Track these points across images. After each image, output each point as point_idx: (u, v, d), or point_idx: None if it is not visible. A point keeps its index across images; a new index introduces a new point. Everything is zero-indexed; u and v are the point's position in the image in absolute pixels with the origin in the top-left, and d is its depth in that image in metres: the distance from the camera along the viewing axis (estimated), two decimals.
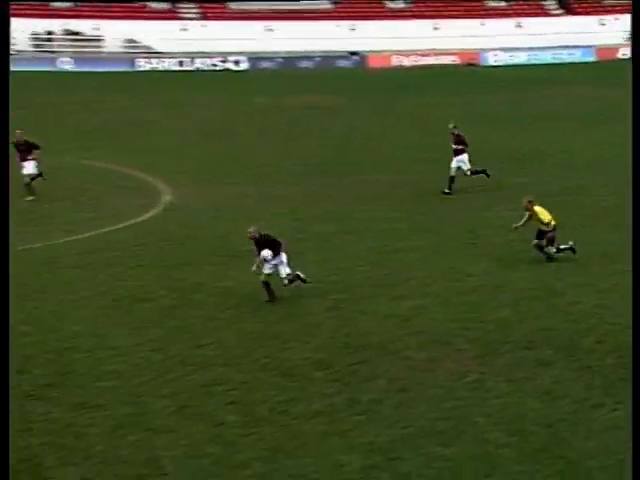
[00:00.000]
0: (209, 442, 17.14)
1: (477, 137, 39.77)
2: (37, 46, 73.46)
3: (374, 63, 78.32)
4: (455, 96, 64.18)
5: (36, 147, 34.67)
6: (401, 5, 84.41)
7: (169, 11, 78.31)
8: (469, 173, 34.92)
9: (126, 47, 74.38)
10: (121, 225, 31.18)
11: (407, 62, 79.91)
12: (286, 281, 23.52)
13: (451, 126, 35.52)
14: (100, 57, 73.19)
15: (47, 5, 75.47)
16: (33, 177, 34.47)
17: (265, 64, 74.95)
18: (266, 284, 23.47)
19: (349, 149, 43.96)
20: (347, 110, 56.21)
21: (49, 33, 74.08)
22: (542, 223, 25.91)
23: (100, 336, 21.88)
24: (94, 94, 61.38)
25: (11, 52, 71.47)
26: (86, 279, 25.82)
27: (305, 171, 39.75)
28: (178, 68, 73.19)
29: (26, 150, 34.24)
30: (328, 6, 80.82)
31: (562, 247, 26.17)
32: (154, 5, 77.77)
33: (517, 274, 25.54)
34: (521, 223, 26.43)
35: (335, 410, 18.26)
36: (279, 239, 23.47)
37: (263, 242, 23.27)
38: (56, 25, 74.18)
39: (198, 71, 73.32)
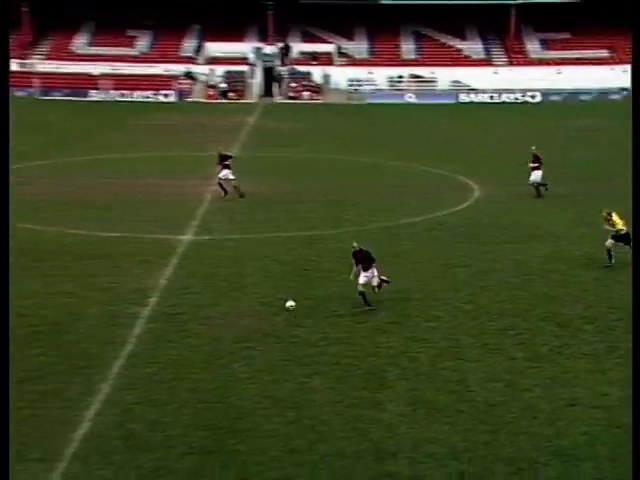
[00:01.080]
0: (503, 371, 16.90)
1: None
2: (391, 85, 74.44)
3: None
4: None
5: (229, 157, 33.10)
6: None
7: (485, 60, 77.40)
8: (536, 185, 33.14)
9: (452, 86, 74.01)
10: (445, 212, 31.15)
11: None
12: (376, 290, 20.50)
13: (533, 148, 34.07)
14: (434, 93, 73.24)
15: (397, 57, 76.47)
16: (228, 179, 32.43)
17: (554, 98, 72.50)
18: (362, 294, 20.33)
19: (612, 159, 41.86)
20: (614, 130, 53.53)
21: (400, 77, 74.92)
22: (619, 228, 23.31)
23: (427, 290, 21.99)
24: (430, 119, 61.67)
25: (373, 90, 73.05)
26: (419, 249, 25.98)
27: (580, 175, 38.28)
28: (489, 101, 72.11)
29: (223, 160, 32.74)
30: (605, 54, 77.19)
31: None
32: (474, 56, 77.08)
33: None
34: (610, 229, 23.69)
35: (599, 354, 17.58)
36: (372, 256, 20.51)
37: (361, 256, 20.38)
38: (404, 71, 75.04)
39: (504, 103, 72.02)
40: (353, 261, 20.60)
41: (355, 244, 20.70)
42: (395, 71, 75.46)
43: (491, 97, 73.13)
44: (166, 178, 37.40)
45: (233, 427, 14.53)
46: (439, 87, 74.48)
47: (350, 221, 29.70)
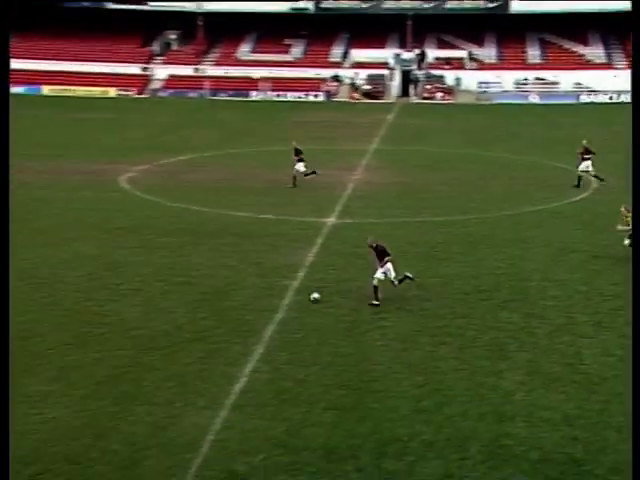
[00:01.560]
0: (616, 347, 16.29)
1: None
2: (517, 87, 72.56)
3: None
4: None
5: (301, 152, 32.45)
6: None
7: (605, 64, 74.33)
8: (592, 174, 32.64)
9: (574, 87, 71.40)
10: (564, 202, 30.17)
11: None
12: (396, 282, 18.75)
13: (584, 142, 32.87)
14: (556, 94, 70.88)
15: (524, 62, 74.49)
16: (306, 174, 32.27)
17: None
18: (375, 288, 18.58)
19: None
20: None
21: (525, 79, 72.94)
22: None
23: (546, 272, 21.38)
24: (552, 117, 59.79)
25: (500, 92, 71.19)
26: (540, 235, 25.29)
27: None
28: (608, 101, 69.31)
29: (297, 154, 32.37)
30: None
31: None
32: (597, 61, 74.12)
33: None
34: (626, 227, 21.41)
35: None
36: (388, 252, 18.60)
37: (377, 251, 18.68)
38: (530, 74, 73.00)
39: (622, 103, 68.93)
40: (374, 254, 18.87)
41: (369, 240, 18.91)
42: (521, 74, 73.53)
43: (610, 98, 70.19)
44: (315, 168, 37.70)
45: (368, 388, 14.60)
46: (561, 89, 72.05)
47: (476, 209, 29.19)
